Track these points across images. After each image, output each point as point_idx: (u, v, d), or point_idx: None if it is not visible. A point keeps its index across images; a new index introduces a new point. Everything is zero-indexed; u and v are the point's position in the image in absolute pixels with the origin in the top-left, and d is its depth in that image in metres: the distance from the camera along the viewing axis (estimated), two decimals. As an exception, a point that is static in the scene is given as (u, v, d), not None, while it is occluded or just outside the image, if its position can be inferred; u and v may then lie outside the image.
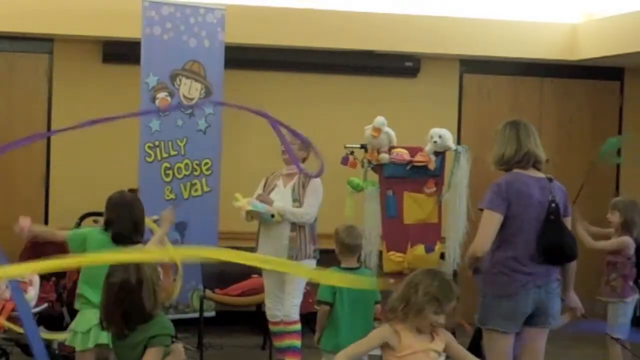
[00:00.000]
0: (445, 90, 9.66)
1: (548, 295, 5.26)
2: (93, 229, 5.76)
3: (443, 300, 4.27)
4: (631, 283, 6.88)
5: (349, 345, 4.51)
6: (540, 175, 5.38)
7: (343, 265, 5.96)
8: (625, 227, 6.91)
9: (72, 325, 5.64)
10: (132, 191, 5.94)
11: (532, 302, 5.24)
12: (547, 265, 5.26)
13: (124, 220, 5.57)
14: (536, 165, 5.39)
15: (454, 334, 4.62)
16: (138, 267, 4.08)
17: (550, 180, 5.38)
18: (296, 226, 6.85)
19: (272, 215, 6.81)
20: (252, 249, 7.43)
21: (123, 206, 5.63)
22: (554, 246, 5.25)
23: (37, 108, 9.05)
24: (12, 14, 8.49)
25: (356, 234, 5.99)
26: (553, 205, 5.28)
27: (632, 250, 6.88)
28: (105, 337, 5.45)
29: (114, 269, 4.10)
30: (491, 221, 5.25)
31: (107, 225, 5.62)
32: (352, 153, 7.68)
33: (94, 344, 5.46)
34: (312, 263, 6.89)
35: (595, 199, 8.95)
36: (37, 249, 7.01)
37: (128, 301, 4.06)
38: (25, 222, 5.62)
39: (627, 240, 6.88)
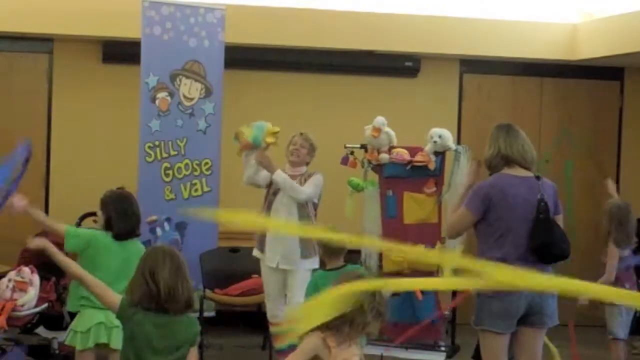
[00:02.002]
0: (445, 90, 9.66)
1: (542, 295, 5.25)
2: (96, 232, 5.66)
3: (384, 313, 4.32)
4: (627, 284, 6.81)
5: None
6: (528, 174, 5.39)
7: (328, 267, 5.93)
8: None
9: (72, 324, 5.63)
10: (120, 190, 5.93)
11: (525, 302, 5.23)
12: (539, 265, 5.25)
13: (124, 215, 5.57)
14: (524, 166, 5.40)
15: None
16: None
17: (538, 178, 5.39)
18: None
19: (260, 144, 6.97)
20: (252, 249, 7.42)
21: (121, 202, 5.64)
22: (544, 245, 5.26)
23: (37, 108, 9.05)
24: (12, 14, 8.50)
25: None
26: (542, 204, 5.30)
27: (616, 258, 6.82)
28: (104, 337, 5.46)
29: (166, 253, 4.20)
30: (464, 218, 5.38)
31: (108, 224, 5.60)
32: (352, 153, 7.69)
33: (94, 343, 5.47)
34: (316, 260, 6.83)
35: (594, 199, 8.96)
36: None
37: (187, 281, 4.21)
38: (19, 202, 5.55)
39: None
